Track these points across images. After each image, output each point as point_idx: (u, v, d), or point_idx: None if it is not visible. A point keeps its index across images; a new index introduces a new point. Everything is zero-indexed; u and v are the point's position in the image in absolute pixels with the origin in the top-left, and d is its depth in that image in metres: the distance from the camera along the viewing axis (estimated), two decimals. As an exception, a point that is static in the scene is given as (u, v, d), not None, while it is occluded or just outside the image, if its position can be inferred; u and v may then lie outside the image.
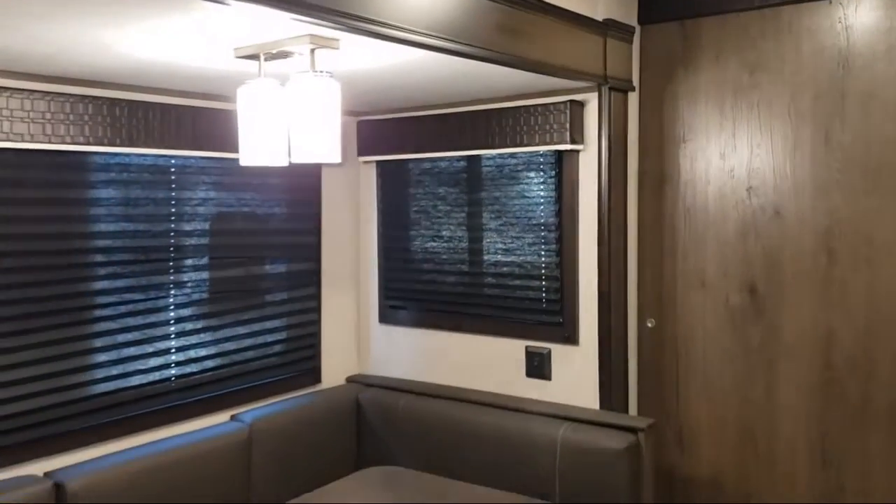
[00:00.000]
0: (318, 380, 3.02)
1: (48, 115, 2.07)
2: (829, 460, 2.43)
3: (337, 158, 1.73)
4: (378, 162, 3.04)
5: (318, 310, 3.00)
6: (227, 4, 1.42)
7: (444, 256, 2.92)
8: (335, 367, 3.08)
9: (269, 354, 2.81)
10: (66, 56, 1.86)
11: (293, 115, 1.71)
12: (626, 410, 2.63)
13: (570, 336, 2.62)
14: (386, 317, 3.10)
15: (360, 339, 3.18)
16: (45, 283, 2.15)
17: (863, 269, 2.35)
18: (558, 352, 2.66)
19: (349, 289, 3.14)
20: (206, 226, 2.57)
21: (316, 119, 1.68)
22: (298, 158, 1.72)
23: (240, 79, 1.88)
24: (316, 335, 3.00)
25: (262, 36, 1.70)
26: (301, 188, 2.90)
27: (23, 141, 2.03)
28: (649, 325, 2.74)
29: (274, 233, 2.81)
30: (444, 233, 2.91)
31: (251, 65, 1.84)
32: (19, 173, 2.09)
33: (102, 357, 2.30)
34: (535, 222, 2.68)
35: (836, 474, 2.42)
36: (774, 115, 2.49)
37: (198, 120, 2.43)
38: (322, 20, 1.57)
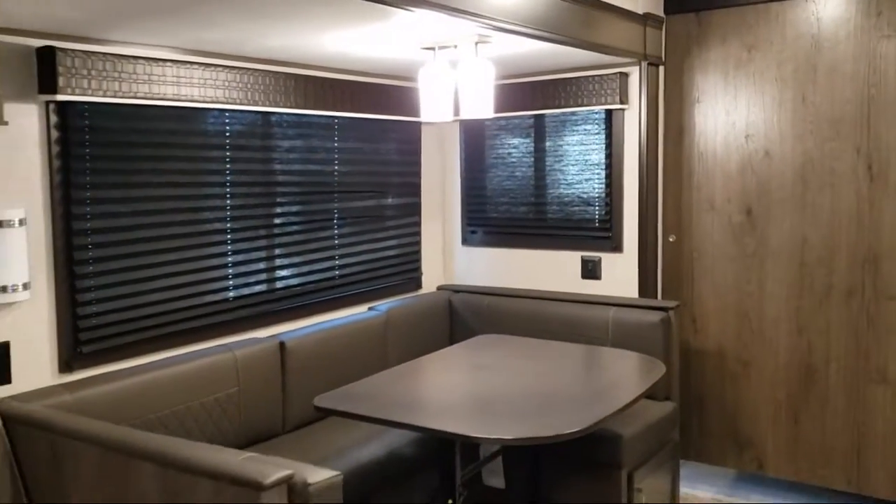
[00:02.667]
0: (419, 286, 3.97)
1: (260, 86, 2.94)
2: (801, 329, 3.43)
3: (490, 114, 2.66)
4: (462, 120, 3.96)
5: (419, 233, 3.94)
6: (412, 11, 2.20)
7: (516, 191, 3.86)
8: (429, 279, 4.03)
9: (389, 265, 3.74)
10: (287, 48, 2.74)
11: (462, 86, 2.62)
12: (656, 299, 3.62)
13: (616, 246, 3.59)
14: (467, 240, 4.05)
15: (445, 257, 4.13)
16: (256, 206, 3.05)
17: (827, 193, 3.34)
18: (607, 259, 3.63)
19: (439, 218, 4.08)
20: (353, 168, 3.48)
21: (479, 89, 2.60)
22: (466, 115, 2.64)
23: (414, 64, 2.78)
24: (418, 252, 3.95)
25: (438, 34, 2.59)
26: (409, 141, 3.81)
27: (239, 104, 2.89)
28: (671, 239, 3.71)
29: (392, 174, 3.73)
30: (516, 173, 3.85)
31: (427, 53, 2.75)
32: (241, 128, 2.98)
33: (297, 259, 3.22)
34: (590, 163, 3.63)
35: (806, 338, 3.43)
36: (765, 82, 3.44)
37: (355, 89, 3.33)
38: (482, 23, 2.46)
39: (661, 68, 3.60)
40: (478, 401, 2.63)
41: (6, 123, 2.07)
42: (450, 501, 2.40)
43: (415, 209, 3.90)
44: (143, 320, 2.64)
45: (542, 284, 3.78)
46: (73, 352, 2.42)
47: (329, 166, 3.36)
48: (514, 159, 3.86)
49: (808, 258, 3.39)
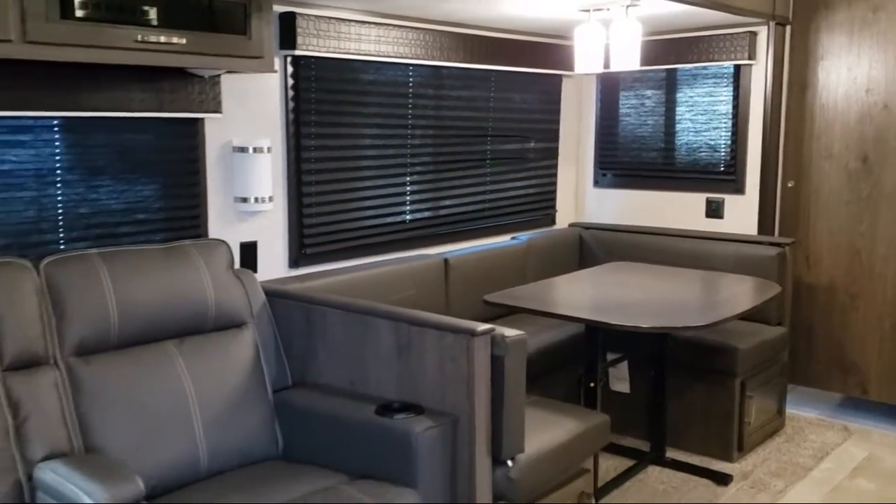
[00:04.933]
0: (553, 223, 4.51)
1: (436, 44, 3.50)
2: (910, 267, 3.78)
3: (636, 67, 3.14)
4: (599, 74, 4.42)
5: (555, 175, 4.47)
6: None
7: (646, 138, 4.32)
8: (562, 216, 4.56)
9: (528, 202, 4.29)
10: (461, 11, 3.28)
11: (613, 43, 3.11)
12: (773, 238, 4.03)
13: (739, 188, 4.02)
14: (598, 182, 4.55)
15: (578, 197, 4.64)
16: (428, 145, 3.65)
17: (941, 143, 3.65)
18: (729, 200, 4.06)
19: (573, 162, 4.59)
20: (504, 115, 4.04)
21: (628, 45, 3.08)
22: (616, 68, 3.14)
23: (567, 24, 3.28)
24: (553, 192, 4.48)
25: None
26: (551, 92, 4.32)
27: (420, 59, 3.46)
28: (790, 185, 4.09)
29: (535, 121, 4.26)
30: (648, 122, 4.31)
31: (583, 14, 3.24)
32: (420, 79, 3.57)
33: (457, 191, 3.82)
34: (717, 113, 4.04)
35: (914, 276, 3.78)
36: (888, 41, 3.74)
37: (510, 46, 3.86)
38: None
39: (788, 28, 3.95)
40: (615, 303, 3.17)
41: (275, 71, 2.73)
42: (592, 384, 2.96)
43: (553, 153, 4.43)
44: (345, 232, 3.30)
45: (667, 223, 4.24)
46: (299, 252, 3.11)
47: (485, 113, 3.92)
48: (646, 109, 4.31)
49: (920, 203, 3.72)
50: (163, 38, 2.20)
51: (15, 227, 2.33)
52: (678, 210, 4.23)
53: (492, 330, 2.18)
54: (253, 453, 2.34)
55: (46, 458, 1.96)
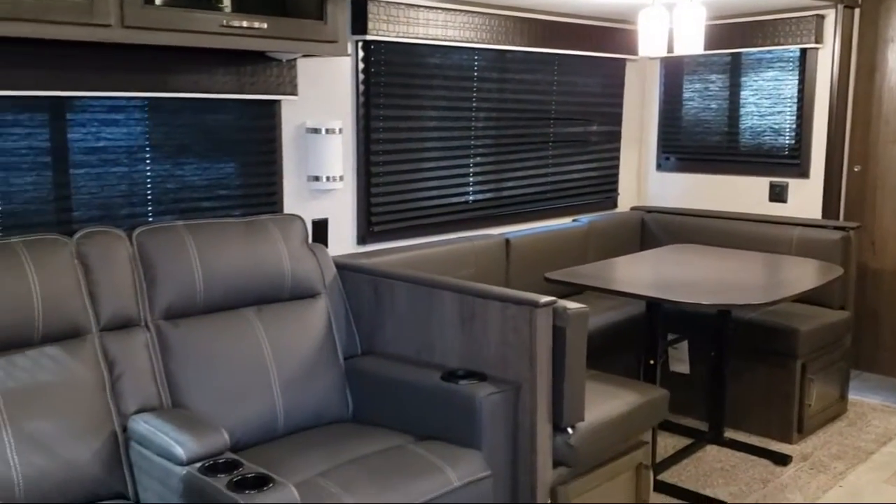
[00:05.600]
0: (615, 206, 4.55)
1: (501, 28, 3.57)
2: (981, 253, 3.71)
3: (700, 50, 3.17)
4: (663, 58, 4.44)
5: (618, 158, 4.50)
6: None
7: (709, 122, 4.32)
8: (624, 199, 4.59)
9: (590, 185, 4.34)
10: None
11: (676, 26, 3.14)
12: (838, 223, 4.00)
13: (803, 172, 3.99)
14: (661, 165, 4.57)
15: (640, 181, 4.66)
16: (492, 128, 3.73)
17: None
18: (794, 184, 4.04)
19: (636, 146, 4.61)
20: (567, 98, 4.09)
21: (692, 28, 3.11)
22: (680, 52, 3.17)
23: (630, 8, 3.32)
24: (615, 175, 4.52)
25: (659, -18, 3.12)
26: (614, 76, 4.35)
27: (485, 43, 3.55)
28: (856, 169, 4.04)
29: (598, 105, 4.30)
30: (711, 106, 4.31)
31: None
32: (484, 63, 3.65)
33: (518, 173, 3.90)
34: (782, 97, 4.02)
35: None
36: (962, 22, 3.67)
37: (573, 30, 3.91)
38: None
39: (857, 11, 3.90)
40: (677, 282, 3.21)
41: (349, 55, 2.85)
42: (651, 361, 3.02)
43: (616, 136, 4.46)
44: (410, 211, 3.41)
45: (729, 207, 4.24)
46: (366, 230, 3.24)
47: (548, 96, 3.98)
48: (710, 93, 4.31)
49: None
50: (245, 23, 2.33)
51: (109, 200, 2.50)
52: (741, 194, 4.22)
53: (554, 302, 2.27)
54: (325, 415, 2.48)
55: (138, 411, 2.13)
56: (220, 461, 1.89)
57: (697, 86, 4.35)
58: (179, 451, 1.89)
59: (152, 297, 2.28)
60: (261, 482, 1.78)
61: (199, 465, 1.87)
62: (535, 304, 2.23)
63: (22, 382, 1.97)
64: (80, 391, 2.05)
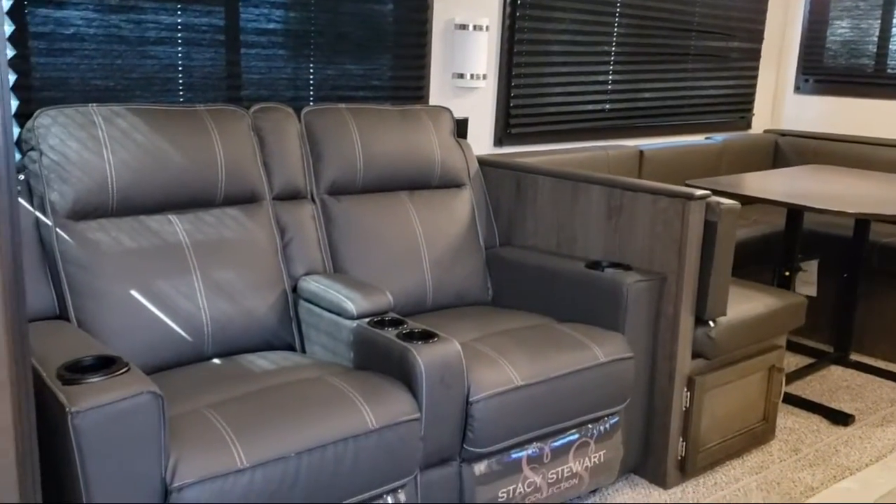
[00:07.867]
0: (748, 127, 4.44)
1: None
2: None
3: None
4: (812, -27, 4.25)
5: (755, 77, 4.37)
6: None
7: (857, 42, 4.13)
8: (758, 121, 4.48)
9: (726, 103, 4.25)
10: None
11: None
12: None
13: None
14: (799, 88, 4.41)
15: (776, 103, 4.53)
16: (632, 36, 3.69)
17: None
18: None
19: (774, 66, 4.46)
20: (709, 10, 3.98)
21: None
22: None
23: None
24: (752, 95, 4.40)
25: None
26: (759, -10, 4.20)
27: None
28: None
29: (740, 20, 4.17)
30: (861, 25, 4.11)
31: None
32: None
33: (656, 84, 3.86)
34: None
35: None
36: None
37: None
38: None
39: None
40: (818, 193, 3.15)
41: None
42: (787, 273, 3.00)
43: (755, 54, 4.33)
44: (548, 116, 3.45)
45: (872, 134, 4.08)
46: (504, 132, 3.30)
47: (691, 7, 3.89)
48: (860, 12, 4.11)
49: None
50: None
51: (276, 81, 2.65)
52: (886, 120, 4.06)
53: (708, 195, 2.29)
54: (468, 296, 2.60)
55: (305, 274, 2.30)
56: (387, 318, 2.03)
57: (847, 4, 4.15)
58: (350, 306, 2.05)
59: (318, 173, 2.43)
60: (426, 336, 1.92)
61: (367, 319, 2.03)
62: (690, 197, 2.26)
63: (209, 236, 2.15)
64: (258, 250, 2.22)
